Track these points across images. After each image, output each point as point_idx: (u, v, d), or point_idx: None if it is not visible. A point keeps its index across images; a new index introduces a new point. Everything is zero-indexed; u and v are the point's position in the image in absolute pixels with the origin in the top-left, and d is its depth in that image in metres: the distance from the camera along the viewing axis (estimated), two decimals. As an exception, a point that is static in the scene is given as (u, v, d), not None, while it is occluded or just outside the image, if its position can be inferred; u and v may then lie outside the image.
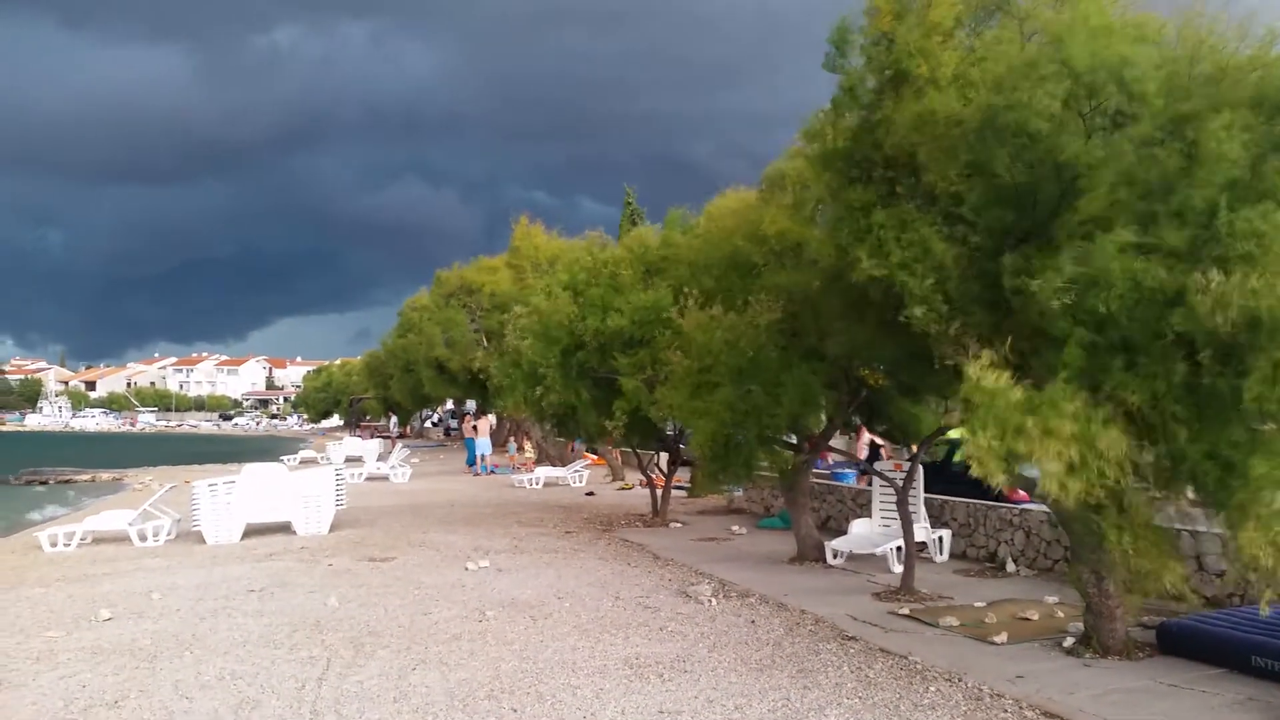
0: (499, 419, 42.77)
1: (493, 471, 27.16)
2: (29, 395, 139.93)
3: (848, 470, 15.15)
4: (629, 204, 38.02)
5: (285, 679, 6.17)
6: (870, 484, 11.99)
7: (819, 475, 14.33)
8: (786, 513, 12.51)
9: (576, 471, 22.35)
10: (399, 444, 36.60)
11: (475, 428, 28.78)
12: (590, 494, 20.08)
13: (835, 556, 10.60)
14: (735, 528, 13.88)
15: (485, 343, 36.96)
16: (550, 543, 12.61)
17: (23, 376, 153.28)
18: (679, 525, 14.39)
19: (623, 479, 22.64)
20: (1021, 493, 9.18)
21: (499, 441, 37.04)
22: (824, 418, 10.61)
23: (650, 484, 15.67)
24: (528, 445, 30.83)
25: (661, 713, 5.46)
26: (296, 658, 6.71)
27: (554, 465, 24.33)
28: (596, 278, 12.76)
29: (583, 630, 7.48)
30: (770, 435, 9.20)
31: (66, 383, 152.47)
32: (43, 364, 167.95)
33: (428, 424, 66.73)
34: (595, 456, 25.31)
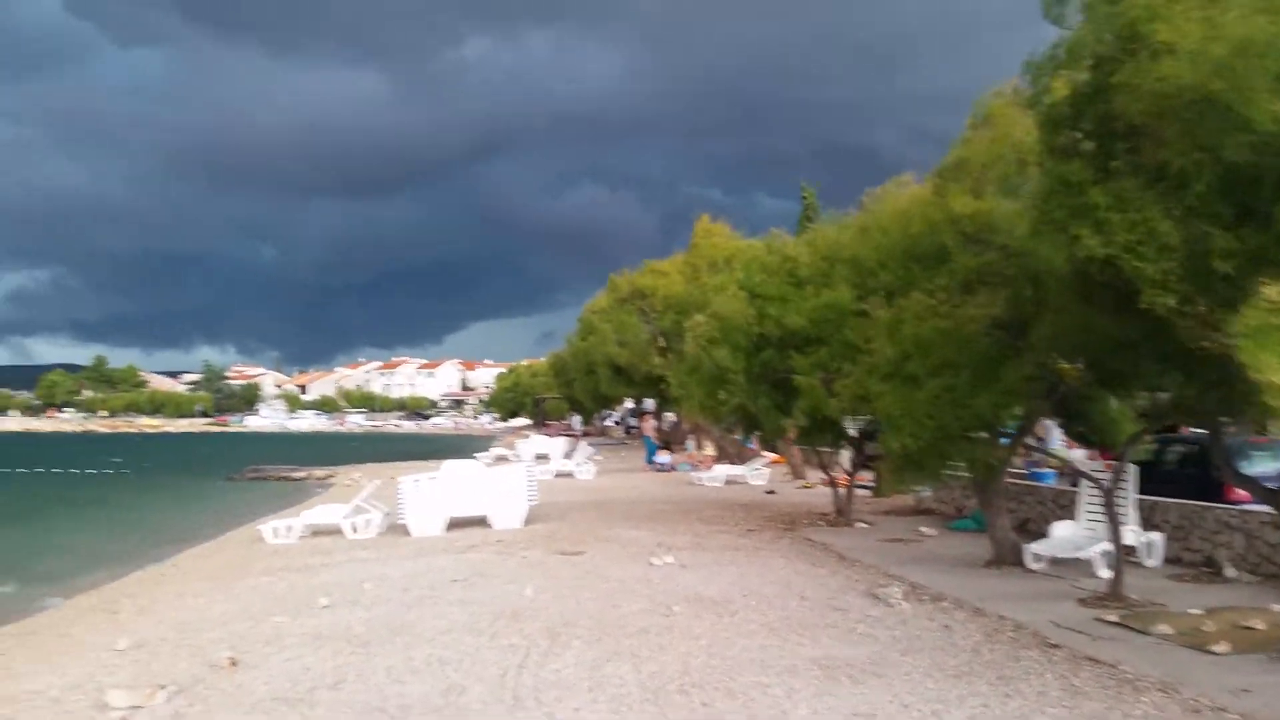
0: (677, 418, 43.21)
1: (672, 469, 27.48)
2: (249, 398, 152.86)
3: (1046, 470, 14.40)
4: (806, 198, 37.47)
5: (488, 665, 6.50)
6: (1074, 484, 11.36)
7: (1015, 475, 13.69)
8: (980, 514, 12.02)
9: (756, 470, 22.29)
10: (583, 442, 37.59)
11: (659, 428, 29.18)
12: (771, 492, 19.98)
13: (1035, 560, 10.10)
14: (924, 529, 13.46)
15: (661, 344, 37.43)
16: (732, 540, 12.65)
17: (244, 381, 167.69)
18: (864, 526, 14.10)
19: (804, 478, 22.39)
20: (1241, 492, 8.45)
21: (678, 439, 37.40)
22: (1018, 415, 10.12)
23: (833, 483, 15.43)
24: (708, 443, 30.98)
25: (855, 715, 5.39)
26: (498, 645, 7.05)
27: (734, 463, 24.36)
28: (773, 276, 12.63)
29: (770, 629, 7.47)
30: (968, 432, 8.85)
31: (281, 386, 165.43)
32: (261, 369, 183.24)
33: (608, 422, 68.20)
34: (775, 455, 25.16)
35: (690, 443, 31.52)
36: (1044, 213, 6.37)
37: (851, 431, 14.16)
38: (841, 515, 14.68)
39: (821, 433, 13.92)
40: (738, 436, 27.34)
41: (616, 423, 70.20)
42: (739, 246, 28.59)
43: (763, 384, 12.84)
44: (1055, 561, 10.08)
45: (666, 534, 13.20)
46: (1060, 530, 10.58)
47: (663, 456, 28.53)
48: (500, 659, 6.67)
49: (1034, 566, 10.05)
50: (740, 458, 25.63)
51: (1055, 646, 6.82)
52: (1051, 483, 13.78)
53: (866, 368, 9.16)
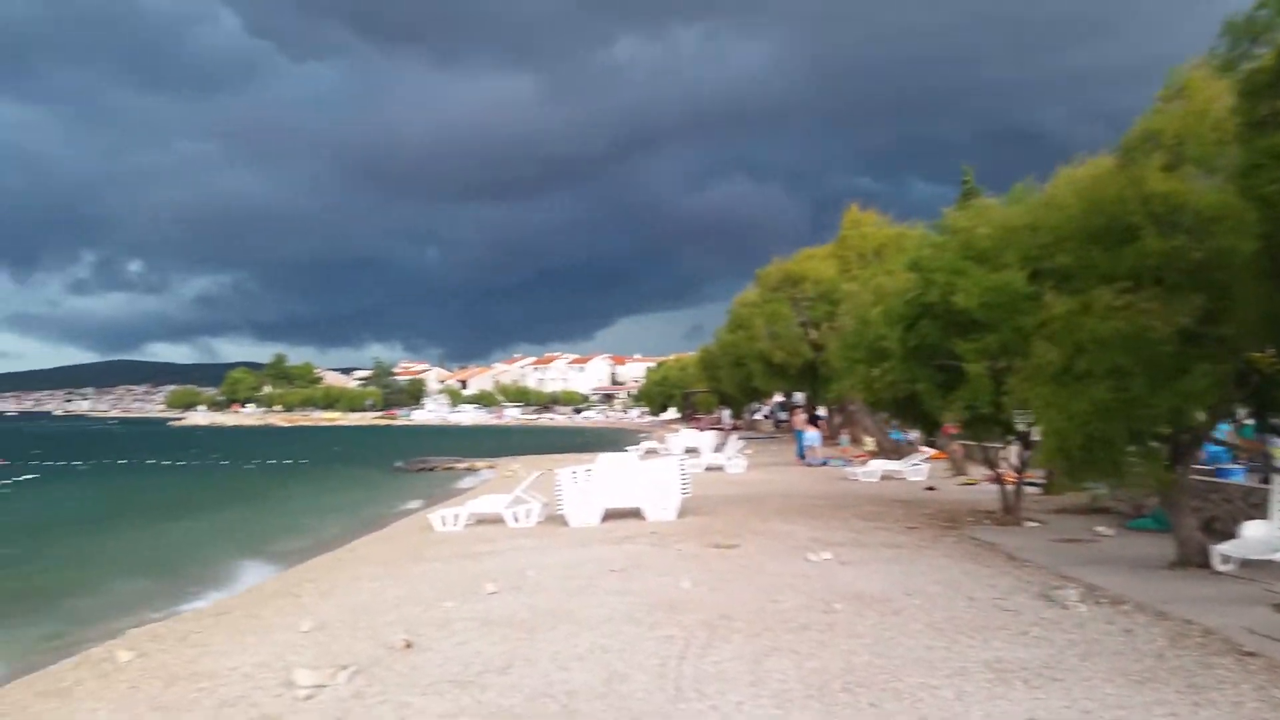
0: (829, 411, 42.46)
1: (824, 463, 27.04)
2: (414, 393, 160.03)
3: (1235, 466, 13.36)
4: (966, 182, 36.02)
5: (648, 656, 6.57)
6: (1264, 480, 10.50)
7: (1200, 471, 12.75)
8: (1161, 512, 11.28)
9: (915, 465, 21.64)
10: (733, 435, 37.48)
11: (814, 420, 28.79)
12: (931, 489, 19.36)
13: (1223, 562, 9.40)
14: (1099, 528, 12.74)
15: (812, 334, 36.86)
16: (892, 538, 12.33)
17: (409, 377, 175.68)
18: (1034, 524, 13.47)
19: (966, 474, 21.57)
20: None
21: (830, 434, 36.77)
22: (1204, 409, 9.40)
23: (999, 479, 14.79)
24: (866, 438, 30.33)
25: (1031, 720, 5.16)
26: (657, 636, 7.12)
27: (890, 458, 23.74)
28: (944, 251, 12.00)
29: (936, 629, 7.24)
30: (1145, 430, 8.30)
31: (444, 382, 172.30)
32: (425, 366, 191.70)
33: (757, 416, 67.76)
34: (935, 450, 24.36)
35: (844, 437, 30.91)
36: (1246, 188, 5.89)
37: (1021, 426, 13.53)
38: (1009, 513, 14.07)
39: (987, 426, 13.25)
40: (893, 431, 26.67)
41: (765, 416, 69.67)
42: (890, 235, 27.82)
43: (922, 364, 12.31)
44: (1246, 564, 9.35)
45: (822, 530, 13.00)
46: (1253, 530, 9.80)
47: (815, 452, 28.09)
48: (660, 649, 6.73)
49: (1222, 569, 9.35)
50: (897, 453, 24.97)
51: (1251, 655, 6.32)
52: (1240, 479, 12.79)
53: (1029, 370, 8.66)
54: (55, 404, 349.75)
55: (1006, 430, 13.76)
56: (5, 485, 32.18)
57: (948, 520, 14.06)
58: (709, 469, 25.41)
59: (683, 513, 14.70)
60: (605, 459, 15.57)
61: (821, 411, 40.68)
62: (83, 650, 8.74)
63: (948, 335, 11.69)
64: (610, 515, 14.54)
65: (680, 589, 8.90)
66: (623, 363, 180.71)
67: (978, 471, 20.99)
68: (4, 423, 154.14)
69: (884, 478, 21.46)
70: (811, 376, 37.98)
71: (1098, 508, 14.93)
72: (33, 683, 7.45)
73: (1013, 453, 15.19)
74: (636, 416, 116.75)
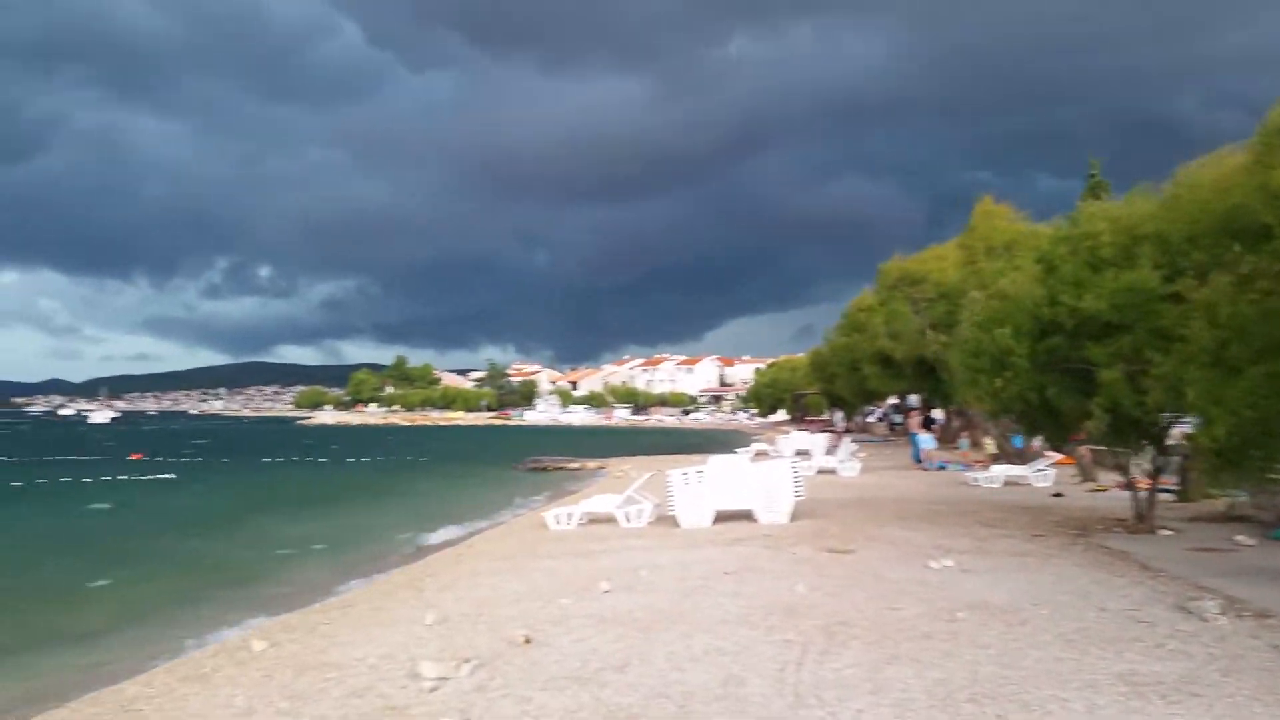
0: (947, 414, 41.33)
1: (942, 468, 26.32)
2: (527, 394, 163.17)
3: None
4: (1093, 175, 34.54)
5: (765, 660, 6.51)
6: None
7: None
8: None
9: (1040, 471, 20.86)
10: (846, 438, 36.86)
11: (929, 423, 28.08)
12: (1057, 495, 18.63)
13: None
14: (1239, 537, 12.03)
15: (931, 333, 35.95)
16: (1017, 545, 11.91)
17: (522, 378, 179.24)
18: (1168, 533, 12.81)
19: (1094, 479, 20.69)
20: None
21: (948, 438, 35.79)
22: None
23: (1131, 485, 14.13)
24: (988, 441, 29.39)
25: (1171, 739, 4.91)
26: (773, 640, 7.06)
27: (1013, 463, 22.94)
28: (1075, 251, 11.51)
29: (1066, 640, 6.96)
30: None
31: (555, 383, 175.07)
32: (537, 367, 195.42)
33: (870, 419, 66.50)
34: (1061, 455, 23.43)
35: (963, 440, 30.02)
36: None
37: (1158, 428, 12.86)
38: (1142, 521, 13.42)
39: (1124, 432, 12.58)
40: (1014, 437, 25.78)
41: (879, 419, 68.38)
42: (1021, 231, 26.96)
43: (1050, 373, 11.85)
44: None
45: (943, 536, 12.65)
46: None
47: (931, 455, 27.39)
48: (777, 654, 6.67)
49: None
50: (1021, 457, 24.11)
51: None
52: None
53: (1181, 356, 8.24)
54: (191, 403, 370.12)
55: (1145, 435, 13.10)
56: (167, 476, 35.19)
57: (1076, 528, 13.50)
58: (820, 472, 25.07)
59: (795, 516, 14.54)
60: (716, 461, 15.50)
61: (938, 414, 39.66)
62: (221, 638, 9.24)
63: (1078, 340, 11.24)
64: (721, 517, 14.49)
65: (795, 593, 8.80)
66: (731, 364, 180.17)
67: (1107, 477, 20.11)
68: (147, 421, 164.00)
69: (1007, 483, 20.76)
70: (928, 378, 37.10)
71: (1236, 516, 14.10)
72: (175, 669, 7.89)
73: (1146, 457, 14.49)
74: (745, 418, 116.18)
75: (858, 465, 25.55)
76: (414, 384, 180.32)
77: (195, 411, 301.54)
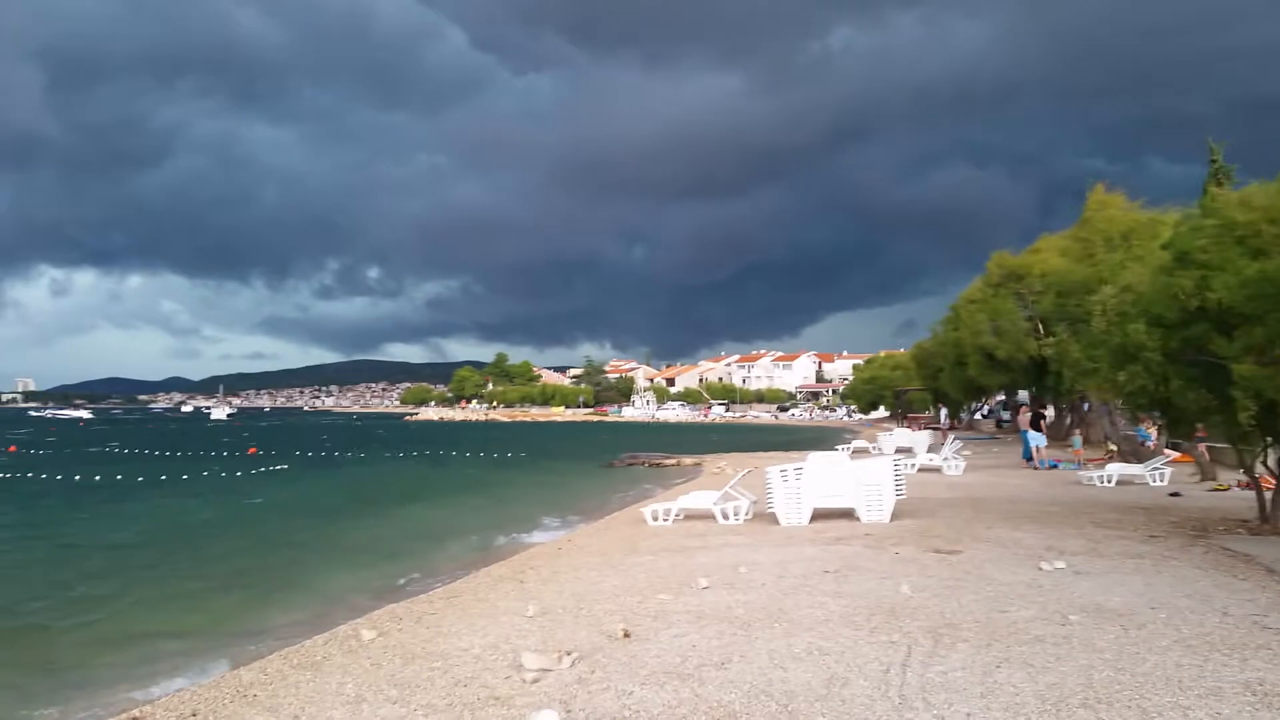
0: (1058, 411, 39.92)
1: (1053, 466, 25.42)
2: (624, 390, 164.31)
3: None
4: (1214, 160, 32.81)
5: (869, 660, 6.39)
6: None
7: None
8: None
9: (1156, 469, 19.95)
10: (950, 436, 35.99)
11: (1041, 419, 27.19)
12: (1175, 494, 17.79)
13: None
14: (1384, 543, 11.28)
15: (1039, 330, 34.82)
16: (1133, 547, 11.41)
17: (619, 375, 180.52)
18: (1300, 536, 12.09)
19: (1214, 478, 19.68)
20: None
21: (1059, 435, 34.59)
22: None
23: (1256, 485, 13.39)
24: (1109, 441, 28.29)
25: (1308, 755, 4.62)
26: (877, 641, 6.92)
27: (1129, 461, 22.01)
28: (1219, 240, 10.85)
29: (1186, 646, 6.63)
30: None
31: (652, 379, 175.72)
32: (633, 364, 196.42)
33: (977, 416, 64.76)
34: (1179, 453, 22.38)
35: (1076, 437, 28.93)
36: None
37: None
38: (1267, 522, 12.71)
39: (1268, 428, 11.84)
40: (1139, 429, 24.75)
41: (985, 415, 66.55)
42: (1139, 220, 25.93)
43: (1176, 365, 11.25)
44: None
45: (1054, 537, 12.21)
46: None
47: (1042, 453, 26.47)
48: (881, 655, 6.54)
49: None
50: (1136, 456, 23.13)
51: None
52: None
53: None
54: (304, 400, 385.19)
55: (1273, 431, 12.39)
56: (283, 467, 37.60)
57: (1195, 528, 12.86)
58: (923, 470, 24.52)
59: (897, 515, 14.24)
60: (815, 457, 15.28)
61: (1048, 411, 38.33)
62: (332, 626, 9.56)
63: (1210, 332, 10.65)
64: (819, 515, 14.30)
65: (899, 594, 8.61)
66: (830, 360, 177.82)
67: (1227, 475, 19.12)
68: (262, 417, 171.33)
69: (1120, 483, 19.93)
70: (1038, 374, 35.95)
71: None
72: (289, 655, 8.17)
73: (1272, 454, 13.71)
74: (843, 415, 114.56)
75: (962, 463, 24.90)
76: (513, 381, 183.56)
77: (308, 408, 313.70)
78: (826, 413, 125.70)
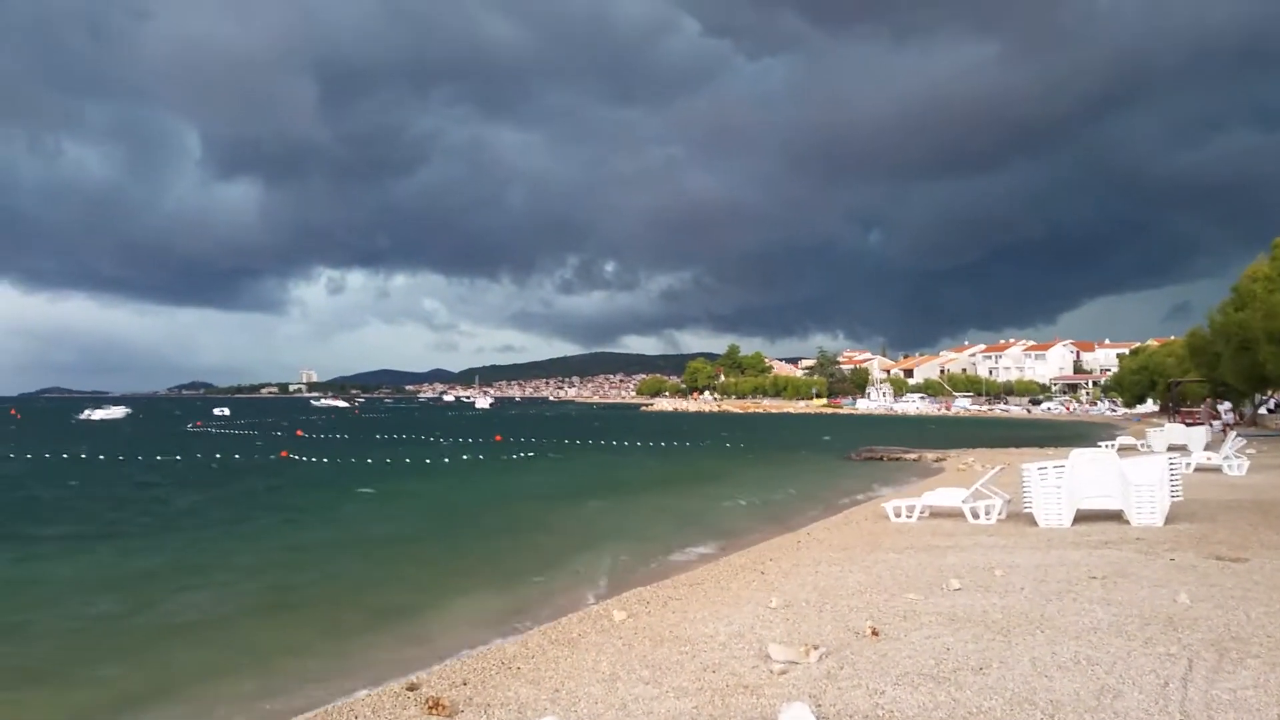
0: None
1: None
2: (858, 382, 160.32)
3: None
4: None
5: (1144, 673, 5.93)
6: None
7: None
8: None
9: None
10: (1231, 432, 32.50)
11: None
12: None
13: None
14: None
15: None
16: None
17: (853, 366, 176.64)
18: None
19: None
20: None
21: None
22: None
23: None
24: None
25: None
26: (1152, 653, 6.41)
27: None
28: None
29: None
30: None
31: (888, 371, 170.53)
32: (868, 354, 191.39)
33: (1262, 410, 58.06)
34: None
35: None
36: None
37: None
38: None
39: None
40: None
41: (1272, 410, 59.72)
42: None
43: None
44: None
45: (1365, 547, 10.78)
46: None
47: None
48: (1157, 667, 6.04)
49: None
50: None
51: None
52: None
53: None
54: (549, 390, 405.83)
55: None
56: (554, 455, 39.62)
57: None
58: (1199, 470, 22.31)
59: (1172, 519, 13.07)
60: (1078, 454, 14.23)
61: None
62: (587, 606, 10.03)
63: None
64: (1082, 517, 13.37)
65: (1177, 603, 7.91)
66: (1089, 349, 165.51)
67: None
68: (514, 406, 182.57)
69: None
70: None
71: None
72: (548, 632, 8.65)
73: None
74: (1105, 409, 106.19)
75: (1246, 462, 22.43)
76: (745, 372, 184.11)
77: (553, 398, 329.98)
78: (1087, 406, 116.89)
